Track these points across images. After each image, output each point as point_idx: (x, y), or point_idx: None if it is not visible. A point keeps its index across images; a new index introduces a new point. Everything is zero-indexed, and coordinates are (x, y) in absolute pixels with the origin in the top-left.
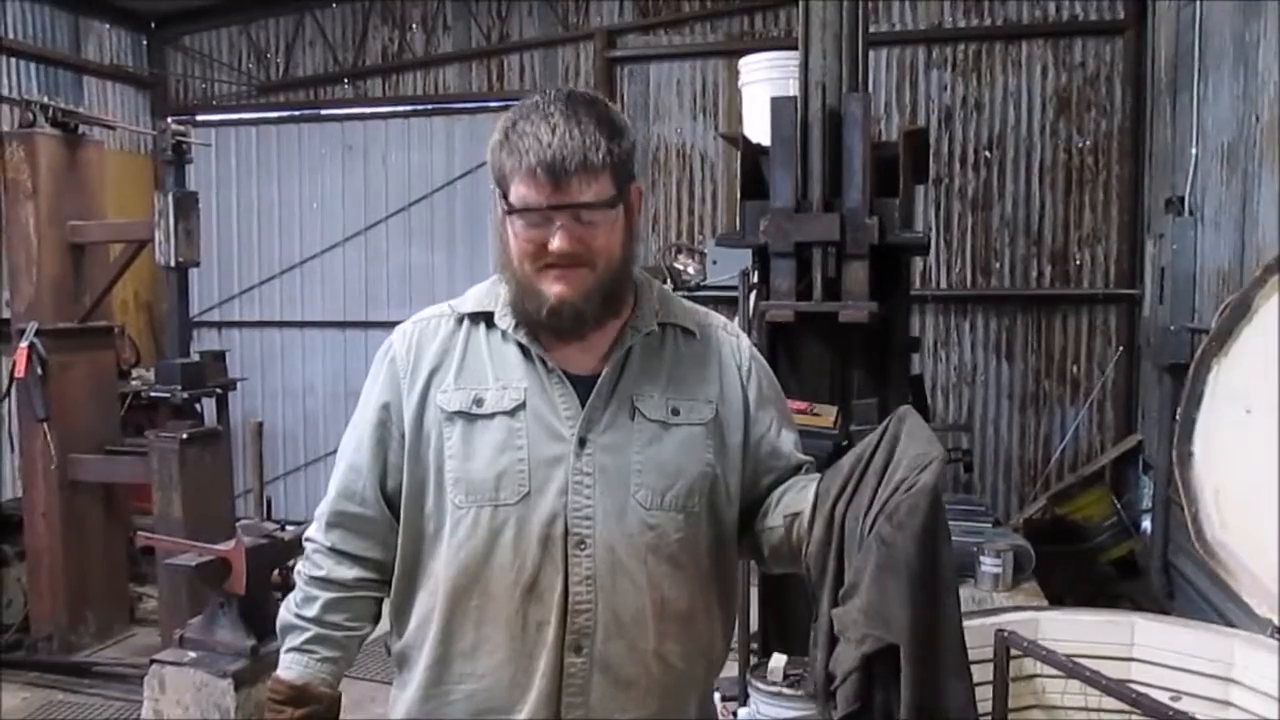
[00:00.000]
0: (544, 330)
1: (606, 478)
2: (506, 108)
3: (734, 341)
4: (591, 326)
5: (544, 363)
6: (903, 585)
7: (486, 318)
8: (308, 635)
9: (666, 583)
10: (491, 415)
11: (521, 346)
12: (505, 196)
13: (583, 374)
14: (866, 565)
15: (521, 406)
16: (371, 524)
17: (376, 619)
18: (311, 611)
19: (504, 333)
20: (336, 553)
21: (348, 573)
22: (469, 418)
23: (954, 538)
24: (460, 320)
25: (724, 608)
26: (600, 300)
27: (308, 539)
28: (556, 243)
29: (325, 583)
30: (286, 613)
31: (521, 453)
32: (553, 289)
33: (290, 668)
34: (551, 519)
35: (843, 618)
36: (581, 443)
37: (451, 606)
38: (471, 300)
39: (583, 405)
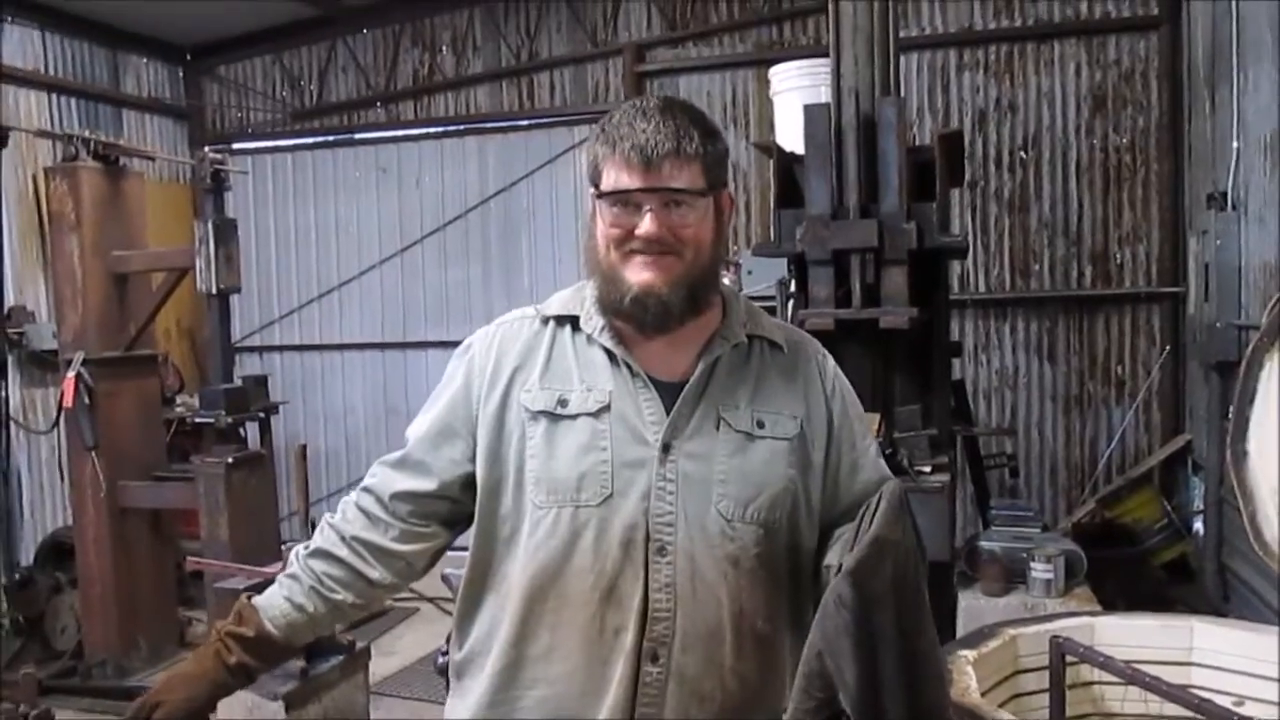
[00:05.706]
0: (629, 326)
1: (690, 485)
2: (537, 125)
3: (820, 360)
4: (675, 323)
5: (629, 367)
6: (847, 645)
7: (572, 321)
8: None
9: (745, 596)
10: (575, 416)
11: (607, 351)
12: (597, 185)
13: (668, 380)
14: (822, 624)
15: (606, 408)
16: (422, 502)
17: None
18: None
19: (589, 336)
20: (364, 513)
21: (363, 534)
22: (553, 418)
23: (1003, 544)
24: (545, 322)
25: (797, 629)
26: (686, 293)
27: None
28: (645, 226)
29: (332, 529)
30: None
31: (605, 454)
32: (639, 276)
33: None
34: (633, 523)
35: (800, 680)
36: (666, 448)
37: (526, 609)
38: (556, 304)
39: (668, 411)
